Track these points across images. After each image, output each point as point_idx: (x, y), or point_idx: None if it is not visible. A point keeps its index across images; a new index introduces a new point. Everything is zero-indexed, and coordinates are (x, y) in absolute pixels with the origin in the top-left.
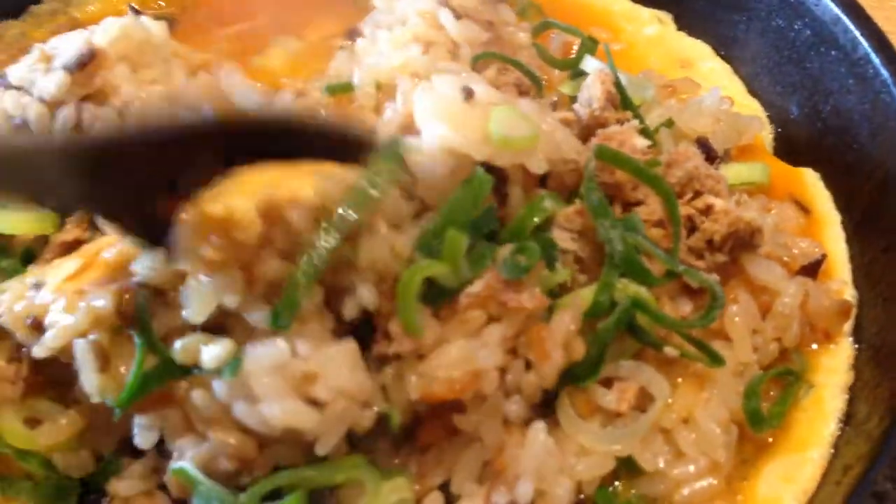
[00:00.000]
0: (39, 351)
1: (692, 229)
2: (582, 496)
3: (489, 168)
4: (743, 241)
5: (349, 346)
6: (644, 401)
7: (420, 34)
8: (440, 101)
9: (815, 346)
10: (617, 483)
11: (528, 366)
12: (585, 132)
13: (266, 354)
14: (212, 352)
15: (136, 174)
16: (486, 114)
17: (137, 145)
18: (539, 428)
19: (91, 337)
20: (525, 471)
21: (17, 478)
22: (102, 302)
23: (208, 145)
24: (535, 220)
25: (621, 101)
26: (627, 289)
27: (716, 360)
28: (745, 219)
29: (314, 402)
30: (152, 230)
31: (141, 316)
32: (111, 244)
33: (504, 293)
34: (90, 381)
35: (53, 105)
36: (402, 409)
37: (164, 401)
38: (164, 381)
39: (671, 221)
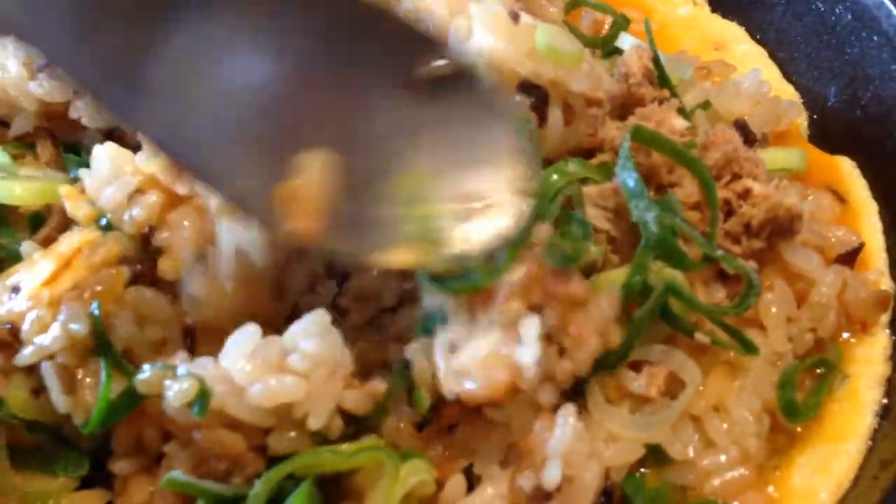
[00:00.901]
0: (20, 361)
1: (729, 213)
2: (609, 483)
3: (531, 86)
4: (782, 227)
5: (318, 316)
6: (674, 387)
7: None
8: (490, 16)
9: (845, 336)
10: (643, 470)
11: (562, 352)
12: (621, 109)
13: (241, 343)
14: (175, 389)
15: None
16: (531, 34)
17: None
18: (569, 411)
19: (59, 359)
20: (553, 454)
21: (27, 449)
22: (78, 326)
23: None
24: (555, 177)
25: (658, 77)
26: (662, 272)
27: (749, 348)
28: (784, 204)
29: (294, 374)
30: None
31: (101, 339)
32: (90, 242)
33: (548, 281)
34: (58, 400)
35: None
36: (429, 390)
37: (138, 419)
38: (133, 407)
39: (709, 205)
